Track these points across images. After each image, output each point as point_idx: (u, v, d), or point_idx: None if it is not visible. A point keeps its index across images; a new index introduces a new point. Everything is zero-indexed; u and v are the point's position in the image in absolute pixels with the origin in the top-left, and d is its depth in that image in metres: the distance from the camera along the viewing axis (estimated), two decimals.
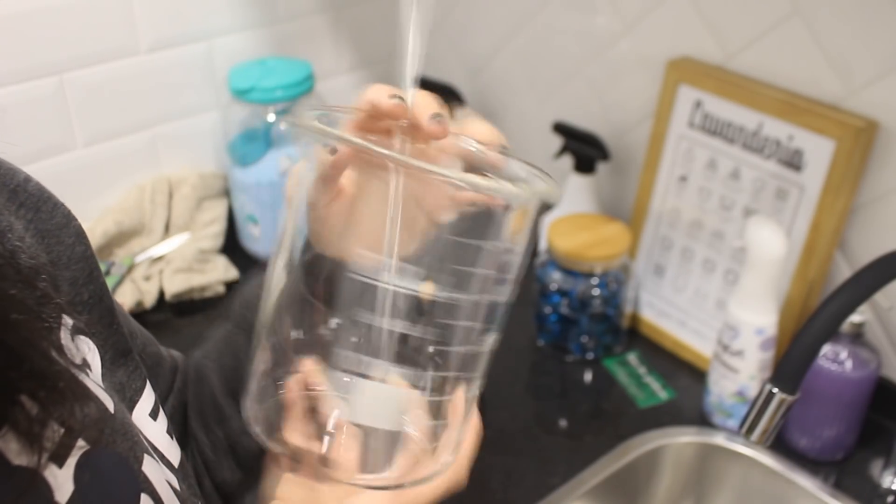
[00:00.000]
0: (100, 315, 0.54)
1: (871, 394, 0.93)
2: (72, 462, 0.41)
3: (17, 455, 0.37)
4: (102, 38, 1.14)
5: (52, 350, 0.40)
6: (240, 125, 1.24)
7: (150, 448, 0.51)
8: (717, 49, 1.05)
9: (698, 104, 1.05)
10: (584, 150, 1.17)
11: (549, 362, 1.12)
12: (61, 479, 0.40)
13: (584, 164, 1.18)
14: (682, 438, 0.99)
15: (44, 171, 1.15)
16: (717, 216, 1.06)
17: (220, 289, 1.22)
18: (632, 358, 1.12)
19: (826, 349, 0.91)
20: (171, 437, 0.55)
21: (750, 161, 1.02)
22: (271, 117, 1.23)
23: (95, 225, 1.20)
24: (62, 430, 0.40)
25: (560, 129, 1.20)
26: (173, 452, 0.54)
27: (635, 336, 1.16)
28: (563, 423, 1.03)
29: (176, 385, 0.65)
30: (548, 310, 1.11)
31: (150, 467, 0.49)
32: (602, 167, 1.20)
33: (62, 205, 0.55)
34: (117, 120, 1.21)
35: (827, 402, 0.92)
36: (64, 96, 1.13)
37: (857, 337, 0.91)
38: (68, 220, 0.55)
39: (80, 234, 0.56)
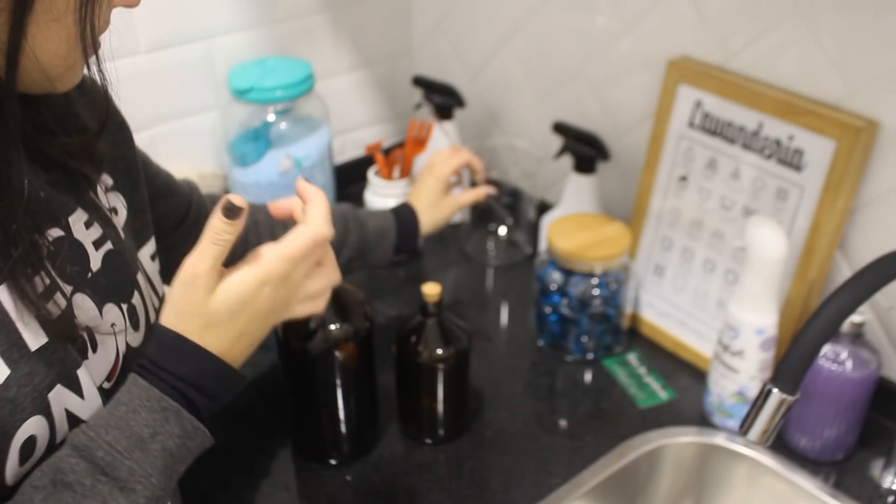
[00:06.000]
0: (127, 181, 0.75)
1: (871, 394, 0.93)
2: (101, 252, 0.66)
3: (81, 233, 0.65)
4: (102, 37, 1.14)
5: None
6: (240, 125, 1.24)
7: (143, 271, 0.74)
8: (717, 49, 1.05)
9: (698, 104, 1.05)
10: (584, 150, 1.17)
11: (549, 362, 1.12)
12: (94, 258, 0.65)
13: (584, 164, 1.18)
14: (683, 438, 0.99)
15: None
16: (717, 216, 1.06)
17: None
18: (632, 358, 1.12)
19: (826, 349, 0.91)
20: (161, 279, 0.78)
21: (750, 161, 1.02)
22: (271, 117, 1.23)
23: None
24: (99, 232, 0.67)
25: (560, 129, 1.20)
26: (160, 287, 0.77)
27: (635, 336, 1.16)
28: (563, 423, 1.03)
29: (190, 216, 0.91)
30: (548, 310, 1.11)
31: (142, 279, 0.72)
32: (602, 167, 1.20)
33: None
34: None
35: (827, 403, 0.92)
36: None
37: (858, 337, 0.91)
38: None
39: (120, 116, 0.77)
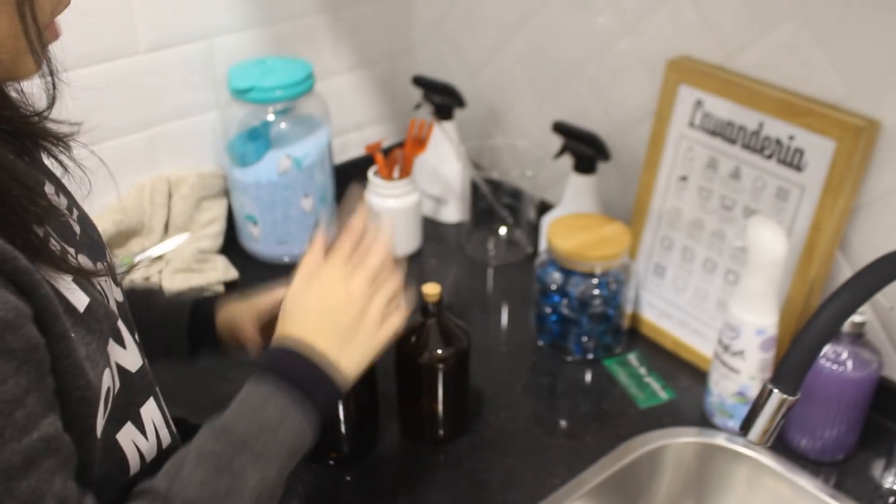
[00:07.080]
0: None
1: (871, 394, 0.93)
2: (75, 217, 0.69)
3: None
4: (102, 37, 1.14)
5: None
6: (239, 125, 1.24)
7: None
8: (717, 49, 1.05)
9: (698, 104, 1.05)
10: (584, 150, 1.17)
11: (549, 362, 1.12)
12: (73, 223, 0.69)
13: (584, 164, 1.18)
14: (683, 439, 0.99)
15: None
16: (718, 216, 1.06)
17: (220, 289, 1.22)
18: (632, 358, 1.12)
19: (827, 349, 0.91)
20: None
21: (750, 161, 1.02)
22: (271, 117, 1.23)
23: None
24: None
25: (560, 129, 1.20)
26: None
27: (636, 336, 1.16)
28: (563, 423, 1.03)
29: None
30: (548, 310, 1.11)
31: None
32: (602, 167, 1.20)
33: None
34: (117, 120, 1.20)
35: (827, 403, 0.92)
36: (63, 96, 1.13)
37: (858, 337, 0.91)
38: None
39: None
